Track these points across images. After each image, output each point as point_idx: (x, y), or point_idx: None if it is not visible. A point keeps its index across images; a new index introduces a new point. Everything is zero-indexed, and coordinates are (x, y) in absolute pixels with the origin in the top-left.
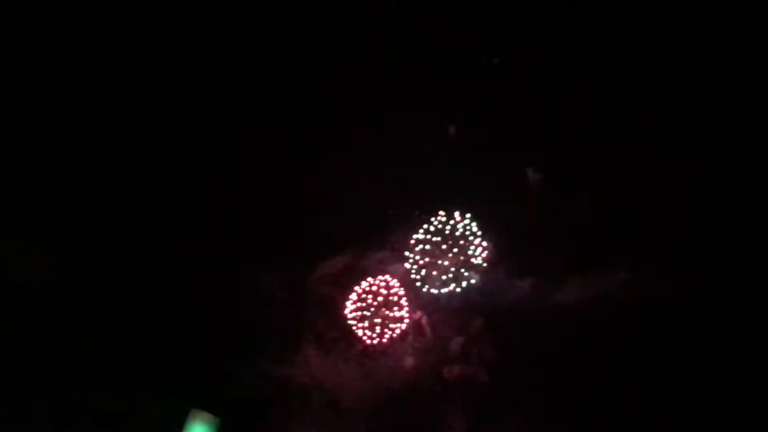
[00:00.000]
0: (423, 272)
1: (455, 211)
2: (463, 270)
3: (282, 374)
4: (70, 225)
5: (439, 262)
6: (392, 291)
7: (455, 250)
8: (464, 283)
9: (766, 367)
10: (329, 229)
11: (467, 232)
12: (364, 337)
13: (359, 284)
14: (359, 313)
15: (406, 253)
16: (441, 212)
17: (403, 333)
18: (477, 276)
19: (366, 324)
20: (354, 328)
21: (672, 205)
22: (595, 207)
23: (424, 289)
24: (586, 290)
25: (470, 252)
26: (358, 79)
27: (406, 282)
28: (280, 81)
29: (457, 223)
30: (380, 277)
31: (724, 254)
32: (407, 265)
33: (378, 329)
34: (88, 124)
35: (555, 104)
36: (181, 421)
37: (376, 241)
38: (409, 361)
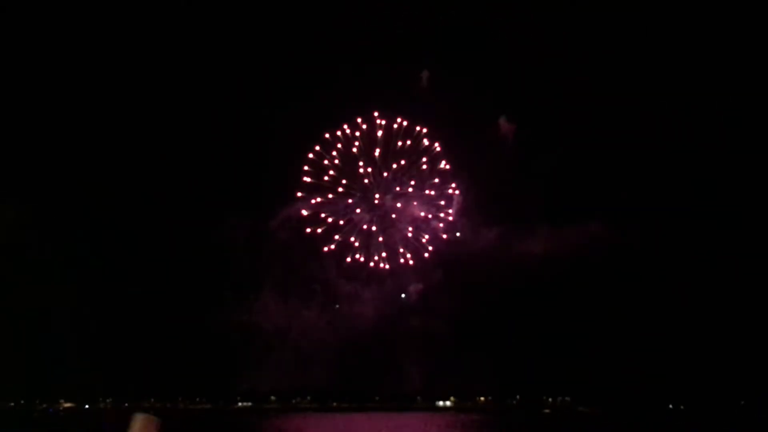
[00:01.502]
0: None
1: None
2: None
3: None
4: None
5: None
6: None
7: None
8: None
9: (732, 313)
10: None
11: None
12: None
13: None
14: None
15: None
16: None
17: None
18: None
19: None
20: None
21: (643, 159)
22: (566, 158)
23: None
24: (554, 241)
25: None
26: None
27: None
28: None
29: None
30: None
31: (693, 207)
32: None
33: None
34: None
35: (530, 56)
36: None
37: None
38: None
